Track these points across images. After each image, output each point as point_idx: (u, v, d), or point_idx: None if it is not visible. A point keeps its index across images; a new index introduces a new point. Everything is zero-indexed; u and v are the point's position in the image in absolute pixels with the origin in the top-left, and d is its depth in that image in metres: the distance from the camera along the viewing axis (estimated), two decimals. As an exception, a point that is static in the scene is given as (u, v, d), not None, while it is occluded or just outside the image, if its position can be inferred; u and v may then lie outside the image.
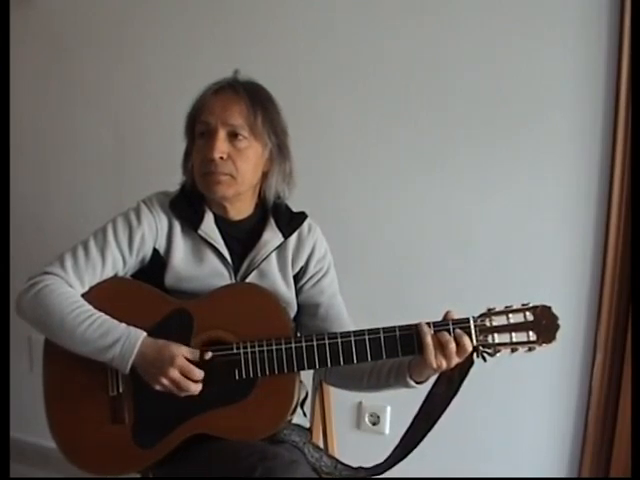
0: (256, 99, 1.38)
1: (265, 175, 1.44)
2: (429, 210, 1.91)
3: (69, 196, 2.32)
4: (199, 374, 1.29)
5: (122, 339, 1.29)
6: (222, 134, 1.35)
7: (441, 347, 1.25)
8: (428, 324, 1.27)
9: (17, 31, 2.16)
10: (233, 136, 1.36)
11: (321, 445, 1.60)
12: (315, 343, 1.30)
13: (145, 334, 1.31)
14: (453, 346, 1.25)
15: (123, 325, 1.32)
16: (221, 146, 1.35)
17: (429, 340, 1.25)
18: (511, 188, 1.83)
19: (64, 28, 2.25)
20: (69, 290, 1.35)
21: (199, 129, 1.39)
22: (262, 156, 1.41)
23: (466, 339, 1.25)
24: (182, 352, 1.29)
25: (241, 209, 1.45)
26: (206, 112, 1.37)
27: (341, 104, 1.95)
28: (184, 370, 1.28)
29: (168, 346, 1.30)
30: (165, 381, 1.28)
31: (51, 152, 2.33)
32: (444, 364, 1.25)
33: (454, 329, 1.26)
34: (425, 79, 1.87)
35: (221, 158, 1.35)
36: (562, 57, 1.74)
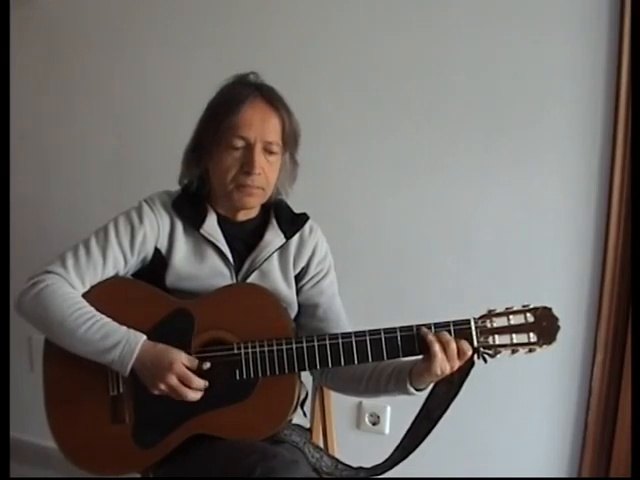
0: (284, 111, 1.40)
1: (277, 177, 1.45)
2: (429, 210, 1.91)
3: (69, 196, 2.32)
4: (197, 383, 1.29)
5: (122, 342, 1.29)
6: (259, 149, 1.37)
7: (442, 348, 1.25)
8: (429, 325, 1.27)
9: (17, 31, 2.16)
10: (267, 151, 1.38)
11: (321, 445, 1.60)
12: (316, 344, 1.30)
13: (145, 338, 1.31)
14: (454, 346, 1.25)
15: (124, 328, 1.32)
16: (260, 162, 1.36)
17: (437, 349, 1.25)
18: (511, 188, 1.83)
19: (64, 28, 2.25)
20: (70, 291, 1.35)
21: (236, 142, 1.37)
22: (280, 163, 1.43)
23: (464, 343, 1.25)
24: (181, 359, 1.30)
25: (250, 211, 1.46)
26: (245, 127, 1.36)
27: (342, 104, 1.95)
28: (182, 377, 1.28)
29: (167, 351, 1.30)
30: (162, 386, 1.28)
31: (51, 152, 2.33)
32: (447, 368, 1.25)
33: (455, 335, 1.26)
34: (425, 79, 1.87)
35: (258, 173, 1.36)
36: (562, 57, 1.74)
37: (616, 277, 1.74)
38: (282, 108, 1.39)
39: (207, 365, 1.31)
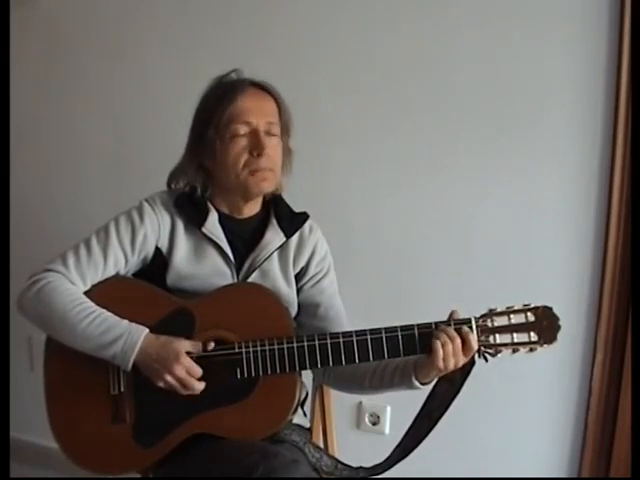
0: (278, 96, 1.43)
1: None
2: (429, 210, 1.91)
3: (69, 196, 2.32)
4: (198, 371, 1.30)
5: (124, 336, 1.29)
6: (262, 132, 1.39)
7: (447, 342, 1.25)
8: (429, 324, 1.28)
9: (17, 31, 2.15)
10: (268, 133, 1.40)
11: (321, 445, 1.60)
12: (317, 343, 1.31)
13: (147, 331, 1.31)
14: (459, 341, 1.25)
15: (125, 322, 1.32)
16: (265, 143, 1.38)
17: (438, 346, 1.25)
18: (511, 188, 1.83)
19: (64, 28, 2.25)
20: (71, 287, 1.35)
21: (238, 129, 1.38)
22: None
23: (472, 337, 1.26)
24: (185, 346, 1.30)
25: (253, 206, 1.47)
26: (246, 112, 1.38)
27: (342, 104, 1.95)
28: (189, 368, 1.29)
29: (171, 342, 1.30)
30: (169, 378, 1.28)
31: (51, 152, 2.33)
32: (451, 363, 1.26)
33: (461, 327, 1.26)
34: (425, 79, 1.87)
35: (267, 154, 1.38)
36: (562, 57, 1.74)
37: (616, 277, 1.74)
38: (273, 91, 1.43)
39: (212, 345, 1.32)
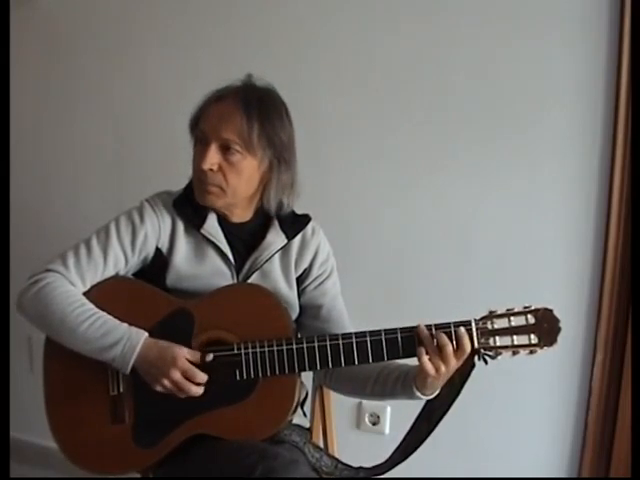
0: (254, 112, 1.34)
1: (265, 186, 1.42)
2: (430, 211, 1.91)
3: (69, 196, 2.32)
4: (201, 377, 1.29)
5: (123, 339, 1.29)
6: (214, 146, 1.34)
7: (438, 349, 1.25)
8: (429, 326, 1.27)
9: (17, 31, 2.15)
10: (226, 149, 1.34)
11: (321, 445, 1.60)
12: (316, 344, 1.30)
13: (147, 335, 1.31)
14: (450, 349, 1.25)
15: (125, 325, 1.32)
16: (211, 158, 1.34)
17: (424, 358, 1.25)
18: (511, 188, 1.83)
19: (64, 28, 2.25)
20: (71, 288, 1.35)
21: (197, 135, 1.39)
22: (258, 169, 1.38)
23: (466, 339, 1.25)
24: (183, 354, 1.30)
25: (241, 215, 1.45)
26: (204, 121, 1.37)
27: (342, 104, 1.95)
28: (185, 372, 1.28)
29: (170, 347, 1.30)
30: (166, 382, 1.28)
31: (51, 152, 2.33)
32: (442, 368, 1.25)
33: (456, 329, 1.26)
34: (426, 79, 1.87)
35: (211, 170, 1.35)
36: (562, 57, 1.74)
37: (616, 277, 1.74)
38: (248, 108, 1.33)
39: (210, 357, 1.32)
